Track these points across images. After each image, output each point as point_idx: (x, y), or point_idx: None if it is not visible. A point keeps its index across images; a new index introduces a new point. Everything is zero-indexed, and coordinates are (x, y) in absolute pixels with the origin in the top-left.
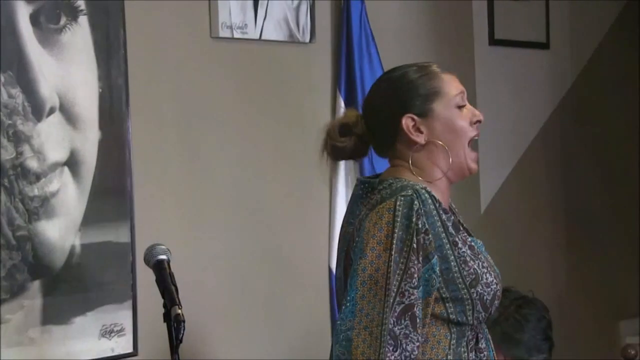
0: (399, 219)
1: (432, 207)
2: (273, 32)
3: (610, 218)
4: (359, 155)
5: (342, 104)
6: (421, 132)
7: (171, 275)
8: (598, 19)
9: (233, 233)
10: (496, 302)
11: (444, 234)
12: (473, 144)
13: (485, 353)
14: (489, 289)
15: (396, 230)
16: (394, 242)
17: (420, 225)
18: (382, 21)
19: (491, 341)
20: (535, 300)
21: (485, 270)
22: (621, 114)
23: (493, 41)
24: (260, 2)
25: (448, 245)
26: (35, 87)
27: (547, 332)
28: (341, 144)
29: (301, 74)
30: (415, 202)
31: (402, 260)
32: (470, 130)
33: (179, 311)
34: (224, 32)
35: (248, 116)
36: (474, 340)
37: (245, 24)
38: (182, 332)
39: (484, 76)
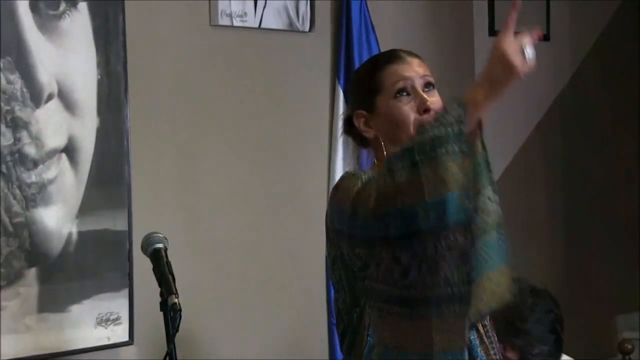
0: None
1: None
2: (272, 20)
3: (609, 212)
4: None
5: (341, 93)
6: (370, 128)
7: (168, 263)
8: (598, 12)
9: (230, 221)
10: None
11: None
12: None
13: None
14: None
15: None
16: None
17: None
18: (382, 11)
19: (481, 329)
20: (544, 293)
21: None
22: (621, 107)
23: (493, 32)
24: None
25: None
26: (34, 73)
27: (555, 326)
28: (351, 136)
29: (300, 63)
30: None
31: None
32: (416, 119)
33: (176, 300)
34: (223, 20)
35: (247, 104)
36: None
37: (245, 12)
38: (178, 321)
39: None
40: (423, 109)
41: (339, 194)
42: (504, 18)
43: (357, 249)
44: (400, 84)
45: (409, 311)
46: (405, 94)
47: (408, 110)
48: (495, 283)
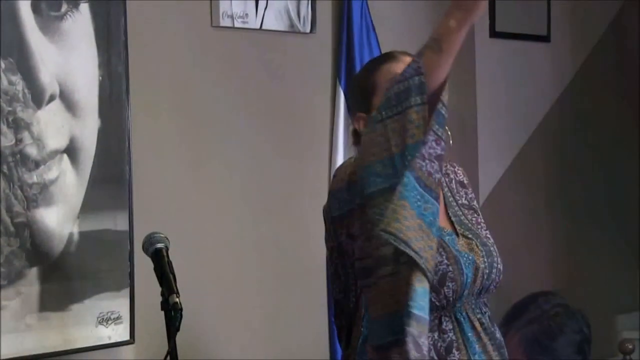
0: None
1: None
2: (274, 21)
3: (609, 212)
4: None
5: (342, 94)
6: None
7: (169, 263)
8: (599, 13)
9: (231, 221)
10: (450, 283)
11: None
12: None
13: (450, 335)
14: (435, 269)
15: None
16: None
17: None
18: (382, 12)
19: (478, 327)
20: (576, 313)
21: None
22: (621, 108)
23: (494, 33)
24: None
25: None
26: (36, 74)
27: (583, 347)
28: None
29: (301, 64)
30: None
31: None
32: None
33: (177, 299)
34: (224, 22)
35: (247, 106)
36: (437, 321)
37: (246, 14)
38: (179, 320)
39: (485, 68)
40: None
41: (336, 180)
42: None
43: (352, 229)
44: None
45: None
46: None
47: None
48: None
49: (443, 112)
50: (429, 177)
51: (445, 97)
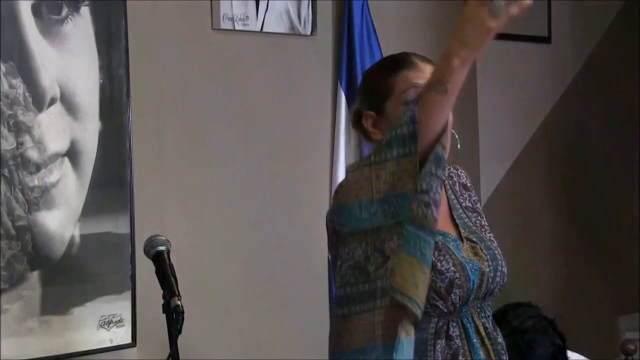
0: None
1: None
2: (274, 24)
3: (610, 213)
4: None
5: (343, 96)
6: (377, 130)
7: (171, 266)
8: (600, 14)
9: (233, 223)
10: (457, 290)
11: None
12: None
13: (456, 342)
14: (443, 277)
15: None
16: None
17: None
18: (383, 13)
19: (482, 332)
20: (548, 326)
21: (443, 258)
22: (622, 109)
23: (494, 35)
24: None
25: None
26: (36, 77)
27: (557, 357)
28: (358, 130)
29: (302, 67)
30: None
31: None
32: None
33: (178, 302)
34: (225, 24)
35: (249, 108)
36: (445, 327)
37: (247, 16)
38: (181, 323)
39: (485, 70)
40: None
41: (339, 194)
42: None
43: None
44: (413, 91)
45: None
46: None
47: None
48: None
49: (441, 154)
50: (423, 217)
51: (444, 139)
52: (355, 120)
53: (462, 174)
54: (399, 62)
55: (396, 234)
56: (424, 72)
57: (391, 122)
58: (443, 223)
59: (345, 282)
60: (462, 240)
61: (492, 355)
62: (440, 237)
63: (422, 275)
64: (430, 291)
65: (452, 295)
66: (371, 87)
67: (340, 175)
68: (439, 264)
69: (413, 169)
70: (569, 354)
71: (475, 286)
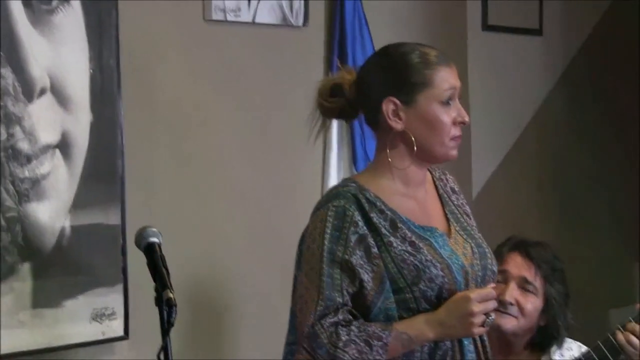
0: (329, 231)
1: (360, 215)
2: (266, 15)
3: (602, 206)
4: (348, 118)
5: None
6: (400, 119)
7: (162, 258)
8: (591, 6)
9: (224, 215)
10: (446, 293)
11: (378, 237)
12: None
13: (446, 342)
14: (433, 284)
15: (326, 243)
16: (324, 254)
17: (351, 235)
18: (375, 5)
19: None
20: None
21: (430, 264)
22: (614, 102)
23: (486, 27)
24: None
25: (383, 247)
26: (26, 67)
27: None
28: (329, 104)
29: (294, 58)
30: (348, 211)
31: (334, 271)
32: (451, 129)
33: (171, 295)
34: (217, 15)
35: (240, 99)
36: (458, 346)
37: (239, 7)
38: (173, 315)
39: (477, 62)
40: (460, 121)
41: (307, 253)
42: (498, 13)
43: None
44: (451, 92)
45: None
46: (451, 102)
47: (447, 119)
48: None
49: None
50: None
51: None
52: (376, 102)
53: (449, 179)
54: (434, 56)
55: None
56: (456, 74)
57: (421, 116)
58: (433, 219)
59: None
60: (450, 234)
61: (482, 355)
62: (427, 234)
63: None
64: (422, 301)
65: (442, 300)
66: (400, 72)
67: (333, 166)
68: (427, 271)
69: None
70: (568, 341)
71: (462, 287)
